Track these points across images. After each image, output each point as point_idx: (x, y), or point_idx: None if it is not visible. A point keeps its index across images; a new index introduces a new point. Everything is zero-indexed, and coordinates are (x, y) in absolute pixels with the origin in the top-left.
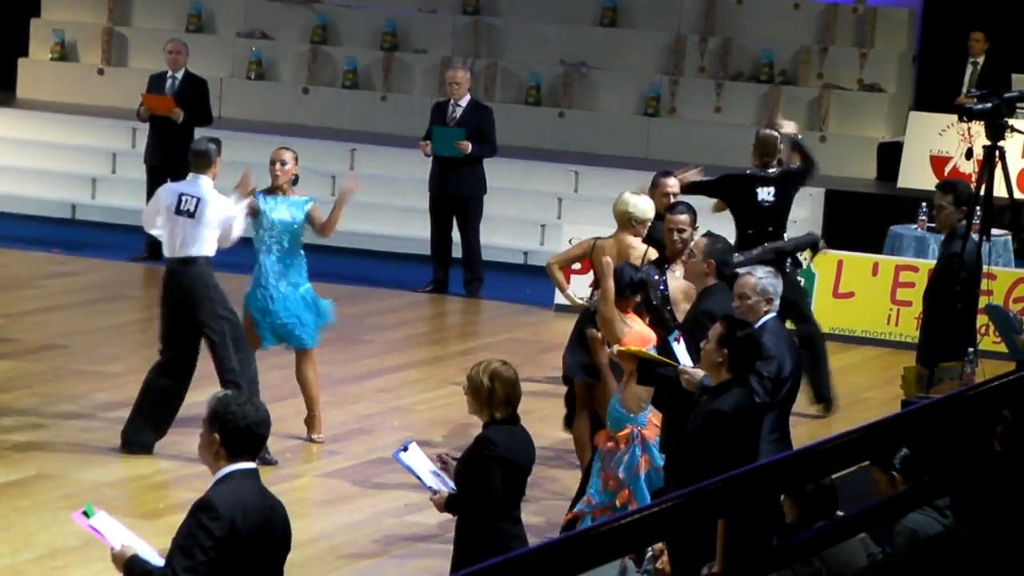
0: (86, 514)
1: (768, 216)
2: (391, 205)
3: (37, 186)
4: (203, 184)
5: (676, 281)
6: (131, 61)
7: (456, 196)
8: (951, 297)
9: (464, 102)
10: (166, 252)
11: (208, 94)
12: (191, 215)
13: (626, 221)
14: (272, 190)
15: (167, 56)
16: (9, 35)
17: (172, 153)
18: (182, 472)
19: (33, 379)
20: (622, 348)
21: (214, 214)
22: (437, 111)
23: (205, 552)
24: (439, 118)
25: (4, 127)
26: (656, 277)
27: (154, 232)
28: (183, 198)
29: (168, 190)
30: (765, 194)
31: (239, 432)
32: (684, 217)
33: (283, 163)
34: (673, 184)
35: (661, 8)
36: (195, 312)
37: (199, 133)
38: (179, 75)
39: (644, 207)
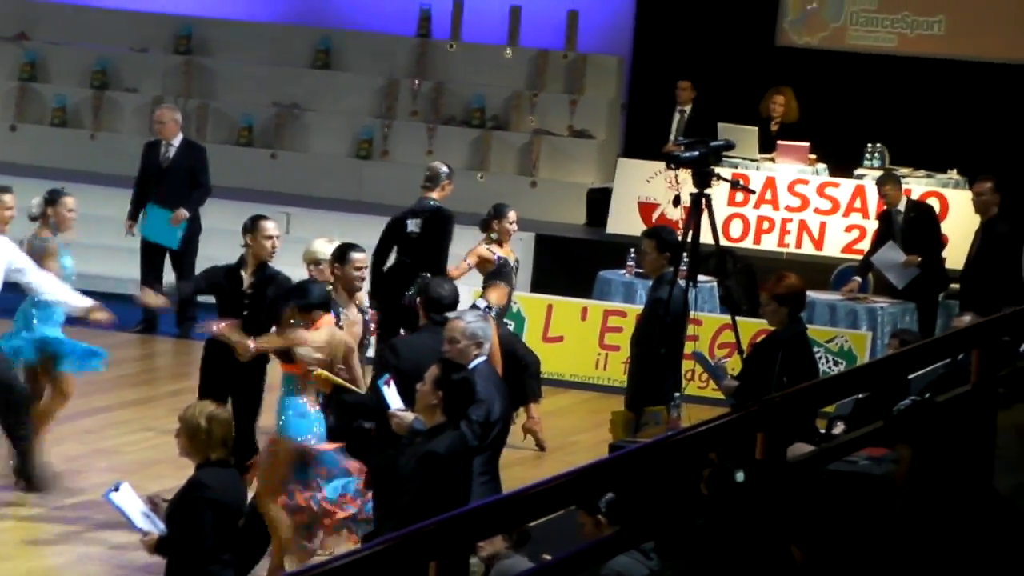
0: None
1: (415, 247)
2: (99, 244)
3: None
4: None
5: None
6: None
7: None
8: (657, 342)
9: (177, 141)
10: None
11: None
12: None
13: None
14: None
15: None
16: None
17: None
18: None
19: None
20: (319, 374)
21: None
22: (150, 150)
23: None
24: (152, 157)
25: None
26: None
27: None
28: None
29: None
30: (414, 225)
31: None
32: (362, 256)
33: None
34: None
35: (374, 51)
36: None
37: None
38: None
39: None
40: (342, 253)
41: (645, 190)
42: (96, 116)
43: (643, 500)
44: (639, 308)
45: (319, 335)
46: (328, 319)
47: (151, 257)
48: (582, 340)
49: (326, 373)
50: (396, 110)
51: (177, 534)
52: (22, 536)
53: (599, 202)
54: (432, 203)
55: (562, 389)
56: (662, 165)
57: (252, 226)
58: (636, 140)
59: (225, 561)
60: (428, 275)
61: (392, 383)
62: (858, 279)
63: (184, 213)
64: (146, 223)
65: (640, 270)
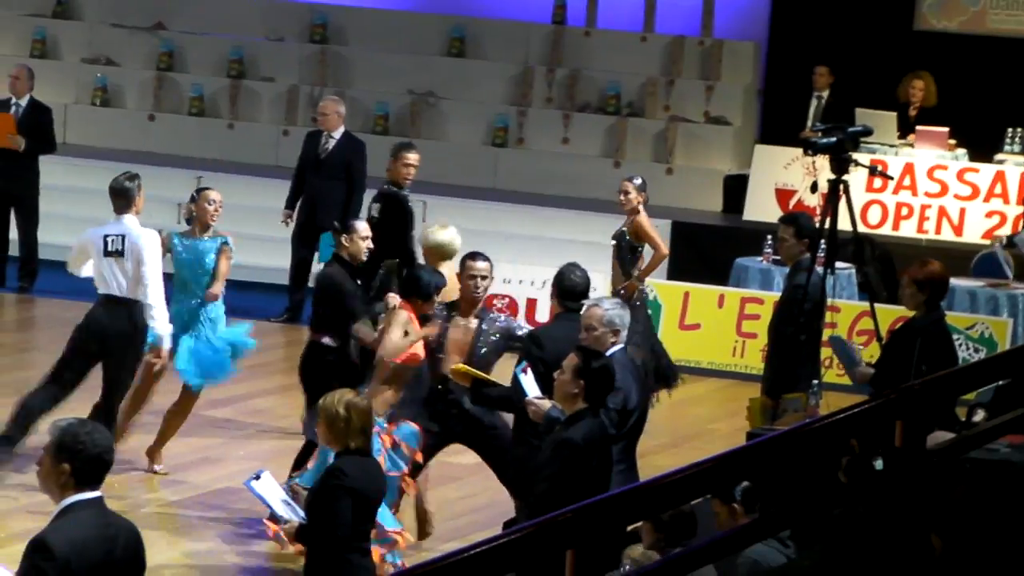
0: None
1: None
2: (237, 233)
3: None
4: (127, 222)
5: (456, 332)
6: None
7: (321, 227)
8: (795, 329)
9: (338, 134)
10: (99, 290)
11: (52, 122)
12: (119, 255)
13: (435, 253)
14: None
15: (9, 81)
16: None
17: (16, 180)
18: (24, 500)
19: None
20: (457, 368)
21: (141, 250)
22: (310, 140)
23: None
24: (311, 148)
25: None
26: (439, 320)
27: (81, 275)
28: (108, 239)
29: (93, 233)
30: (374, 211)
31: (90, 461)
32: (484, 264)
33: (215, 201)
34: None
35: (509, 39)
36: (112, 354)
37: (43, 161)
38: (23, 102)
39: (451, 239)
40: (461, 259)
41: (782, 177)
42: (233, 105)
43: (780, 488)
44: (776, 295)
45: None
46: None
47: (305, 241)
48: (719, 327)
49: (464, 367)
50: (531, 97)
51: (316, 522)
52: (163, 523)
53: (735, 189)
54: (388, 187)
55: (699, 377)
56: (799, 151)
57: (348, 228)
58: (773, 126)
59: (364, 549)
60: (395, 261)
61: (529, 371)
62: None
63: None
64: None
65: (777, 257)
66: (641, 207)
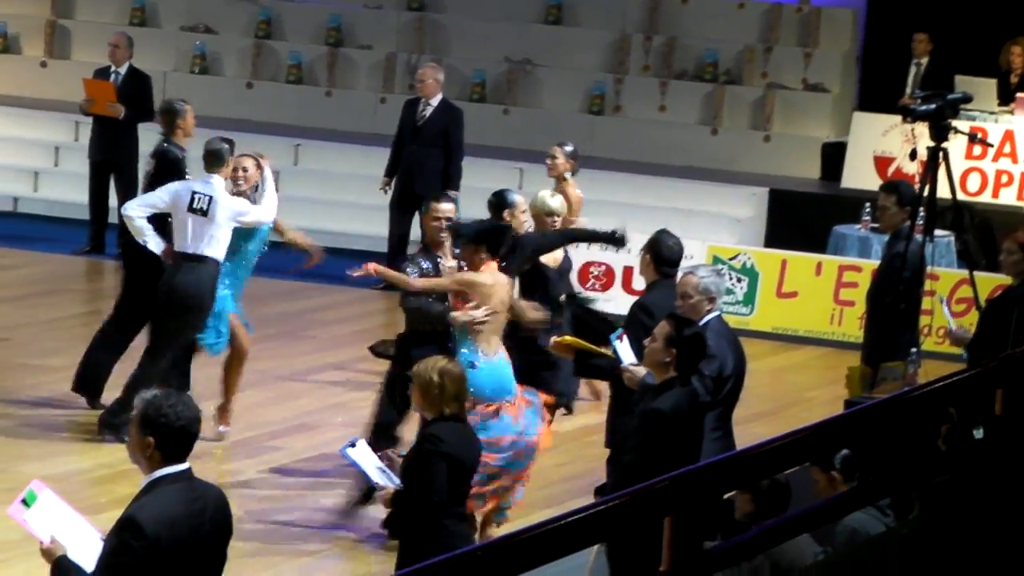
0: (26, 502)
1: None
2: (336, 201)
3: (6, 183)
4: (215, 183)
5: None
6: (74, 54)
7: (419, 195)
8: (894, 297)
9: (435, 101)
10: (176, 247)
11: (151, 89)
12: (204, 213)
13: (540, 216)
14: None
15: (109, 50)
16: None
17: (115, 148)
18: (123, 467)
19: None
20: (559, 340)
21: (224, 214)
22: (408, 108)
23: (128, 572)
24: (409, 115)
25: None
26: (426, 264)
27: (140, 223)
28: (196, 196)
29: (182, 186)
30: (149, 165)
31: (174, 434)
32: (448, 206)
33: (244, 169)
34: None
35: (606, 6)
36: (179, 311)
37: (142, 129)
38: (122, 70)
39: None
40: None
41: (881, 144)
42: (331, 73)
43: (880, 456)
44: (874, 263)
45: (483, 277)
46: (492, 265)
47: (404, 211)
48: (817, 295)
49: (569, 338)
50: (628, 65)
51: (411, 488)
52: (260, 490)
53: (834, 156)
54: (164, 145)
55: (796, 345)
56: (898, 119)
57: (508, 203)
58: (871, 93)
59: (460, 515)
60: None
61: (625, 338)
62: None
63: (453, 194)
64: None
65: (875, 225)
66: (569, 174)
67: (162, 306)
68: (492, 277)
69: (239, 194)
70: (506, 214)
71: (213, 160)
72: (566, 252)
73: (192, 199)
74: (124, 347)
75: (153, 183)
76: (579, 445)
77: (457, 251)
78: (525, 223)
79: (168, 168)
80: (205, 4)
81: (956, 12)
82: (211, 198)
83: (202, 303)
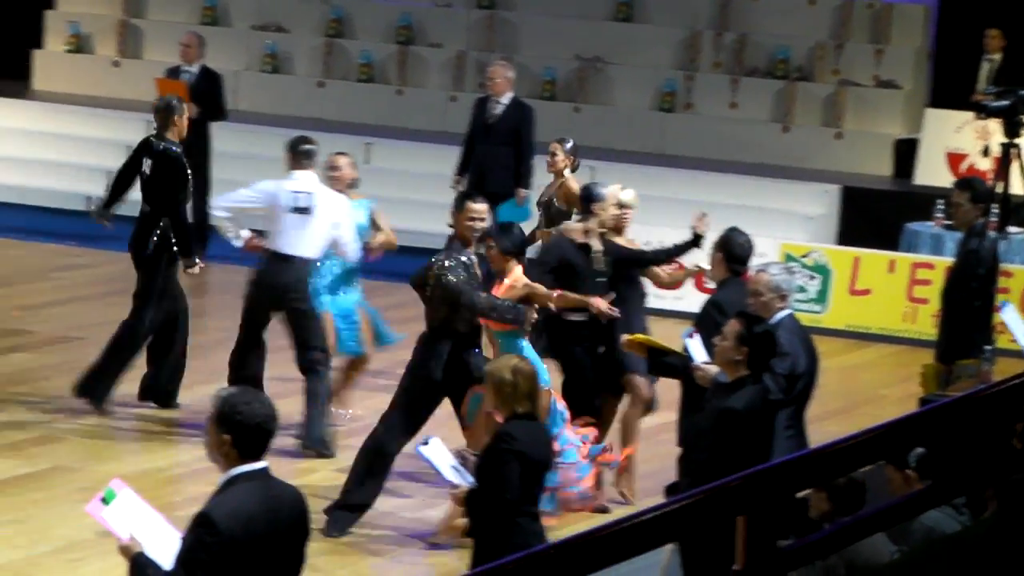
0: (105, 500)
1: (146, 189)
2: (406, 200)
3: (52, 178)
4: (313, 181)
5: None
6: (146, 53)
7: (491, 193)
8: (969, 294)
9: (506, 99)
10: (272, 246)
11: (223, 89)
12: (306, 211)
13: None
14: None
15: (180, 49)
16: (23, 27)
17: (187, 147)
18: (198, 465)
19: (48, 371)
20: (631, 338)
21: (325, 211)
22: (479, 106)
23: (205, 568)
24: (480, 113)
25: (19, 119)
26: (467, 259)
27: (226, 221)
28: (296, 195)
29: (275, 186)
30: (146, 166)
31: (249, 431)
32: (481, 206)
33: (337, 168)
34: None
35: (676, 3)
36: (287, 308)
37: (214, 128)
38: (194, 69)
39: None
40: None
41: (953, 140)
42: (401, 71)
43: (955, 455)
44: (948, 260)
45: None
46: (519, 269)
47: None
48: (889, 293)
49: (641, 336)
50: (699, 62)
51: (485, 486)
52: (337, 487)
53: (906, 153)
54: (162, 145)
55: (869, 343)
56: (971, 115)
57: (597, 196)
58: (944, 89)
59: (534, 514)
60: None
61: (697, 336)
62: None
63: (524, 192)
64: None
65: (949, 222)
66: (568, 170)
67: (256, 302)
68: (524, 280)
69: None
70: (595, 208)
71: (304, 157)
72: None
73: (292, 198)
74: (173, 346)
75: (154, 182)
76: (651, 444)
77: (482, 252)
78: (613, 216)
79: (171, 166)
80: (276, 3)
81: None
82: (311, 195)
83: (303, 298)
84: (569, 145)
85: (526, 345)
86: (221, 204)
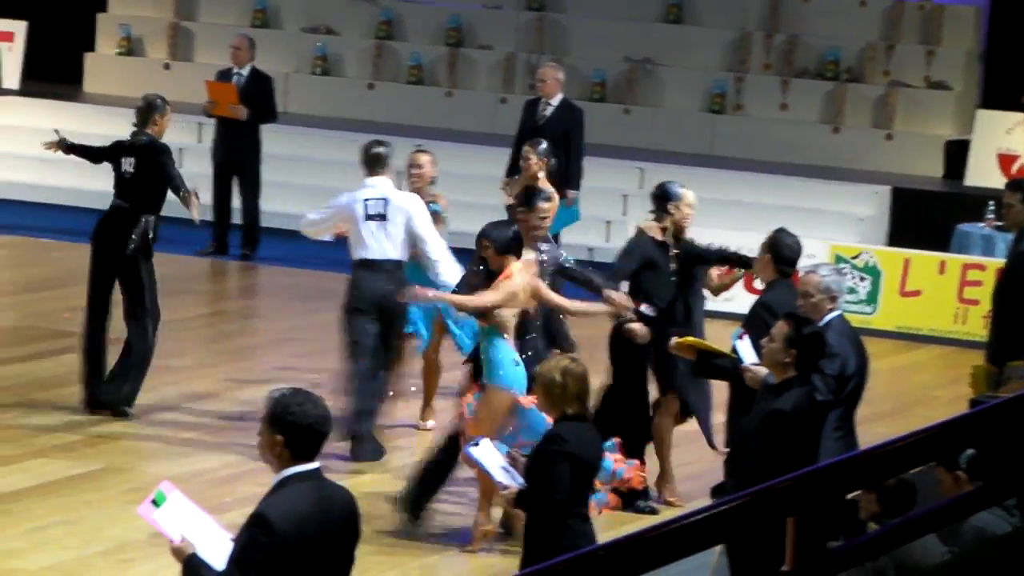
0: (155, 502)
1: (127, 187)
2: (456, 201)
3: (103, 180)
4: (385, 186)
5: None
6: (197, 56)
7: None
8: (1020, 296)
9: (556, 101)
10: (356, 256)
11: (273, 91)
12: (382, 218)
13: None
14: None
15: (231, 52)
16: (75, 29)
17: (238, 149)
18: (249, 467)
19: None
20: (680, 340)
21: (401, 214)
22: (529, 108)
23: (259, 568)
24: (530, 115)
25: (70, 121)
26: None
27: (322, 237)
28: (368, 203)
29: (348, 197)
30: (127, 164)
31: (302, 433)
32: (547, 204)
33: (419, 166)
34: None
35: (726, 5)
36: (387, 316)
37: (264, 130)
38: (244, 71)
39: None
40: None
41: (1005, 141)
42: (451, 73)
43: (1005, 456)
44: (999, 261)
45: (515, 283)
46: (516, 265)
47: None
48: (940, 294)
49: (691, 339)
50: (749, 63)
51: (535, 487)
52: (386, 489)
53: (956, 154)
54: (145, 138)
55: (919, 344)
56: (1022, 116)
57: (673, 195)
58: (995, 91)
59: (583, 515)
60: (151, 219)
61: (746, 337)
62: None
63: (573, 194)
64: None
65: (1000, 223)
66: (541, 173)
67: (373, 314)
68: (520, 277)
69: (415, 191)
70: (670, 207)
71: (376, 163)
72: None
73: (366, 207)
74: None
75: (139, 179)
76: (699, 446)
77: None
78: (689, 216)
79: (160, 156)
80: (326, 5)
81: None
82: (386, 201)
83: (393, 306)
84: (542, 147)
85: (503, 344)
86: (306, 224)
